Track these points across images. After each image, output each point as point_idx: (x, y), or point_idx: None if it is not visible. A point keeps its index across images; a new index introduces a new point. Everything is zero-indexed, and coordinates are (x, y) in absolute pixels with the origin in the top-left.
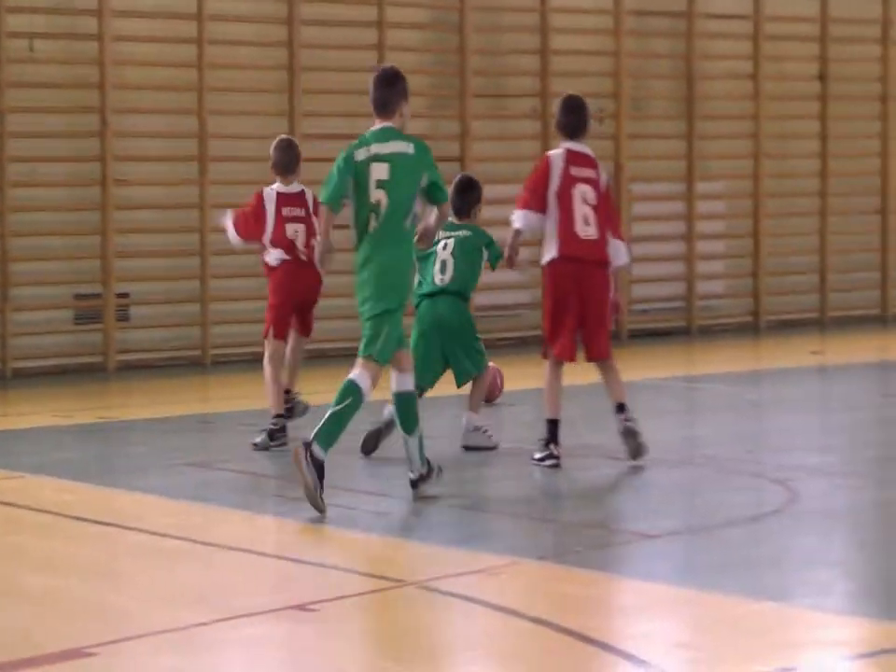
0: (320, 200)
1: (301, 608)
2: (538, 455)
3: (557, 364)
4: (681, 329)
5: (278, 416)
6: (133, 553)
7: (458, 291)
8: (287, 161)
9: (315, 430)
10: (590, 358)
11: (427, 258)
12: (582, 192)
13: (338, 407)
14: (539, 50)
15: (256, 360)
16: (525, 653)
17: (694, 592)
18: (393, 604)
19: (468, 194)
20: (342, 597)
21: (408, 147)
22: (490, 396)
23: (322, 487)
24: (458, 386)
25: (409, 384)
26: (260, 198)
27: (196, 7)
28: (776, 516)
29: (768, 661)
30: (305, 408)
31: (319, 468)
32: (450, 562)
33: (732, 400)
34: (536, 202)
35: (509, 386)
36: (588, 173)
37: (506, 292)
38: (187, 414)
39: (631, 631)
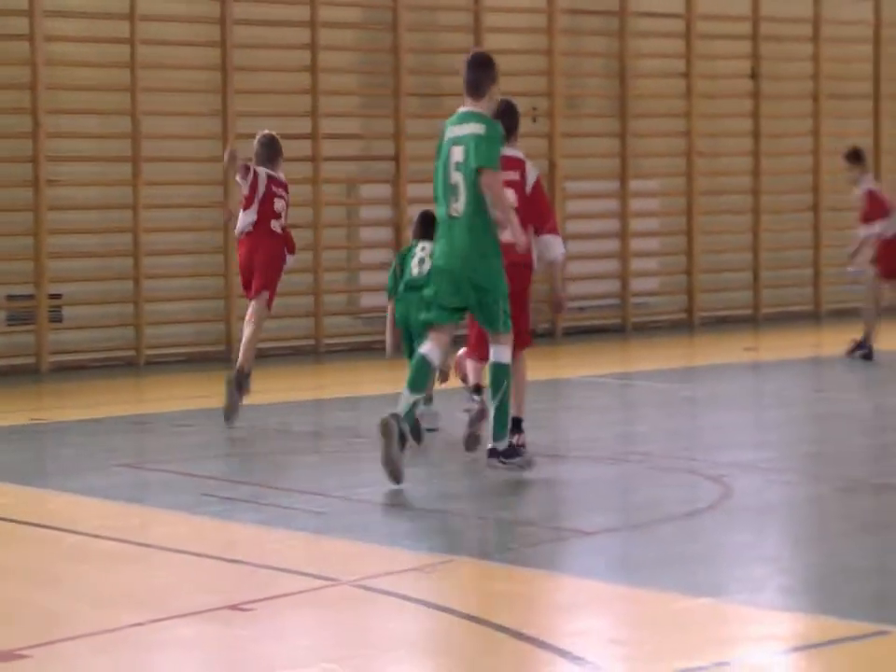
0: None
1: (236, 608)
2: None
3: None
4: (616, 326)
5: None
6: (68, 556)
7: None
8: (268, 154)
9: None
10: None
11: (405, 260)
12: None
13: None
14: (471, 49)
15: (191, 361)
16: (460, 651)
17: (629, 588)
18: (328, 603)
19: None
20: (276, 597)
21: (480, 129)
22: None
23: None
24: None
25: (505, 356)
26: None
27: (128, 7)
28: (710, 512)
29: (703, 656)
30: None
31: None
32: (385, 560)
33: (666, 397)
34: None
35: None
36: (511, 175)
37: None
38: (121, 415)
39: (566, 628)
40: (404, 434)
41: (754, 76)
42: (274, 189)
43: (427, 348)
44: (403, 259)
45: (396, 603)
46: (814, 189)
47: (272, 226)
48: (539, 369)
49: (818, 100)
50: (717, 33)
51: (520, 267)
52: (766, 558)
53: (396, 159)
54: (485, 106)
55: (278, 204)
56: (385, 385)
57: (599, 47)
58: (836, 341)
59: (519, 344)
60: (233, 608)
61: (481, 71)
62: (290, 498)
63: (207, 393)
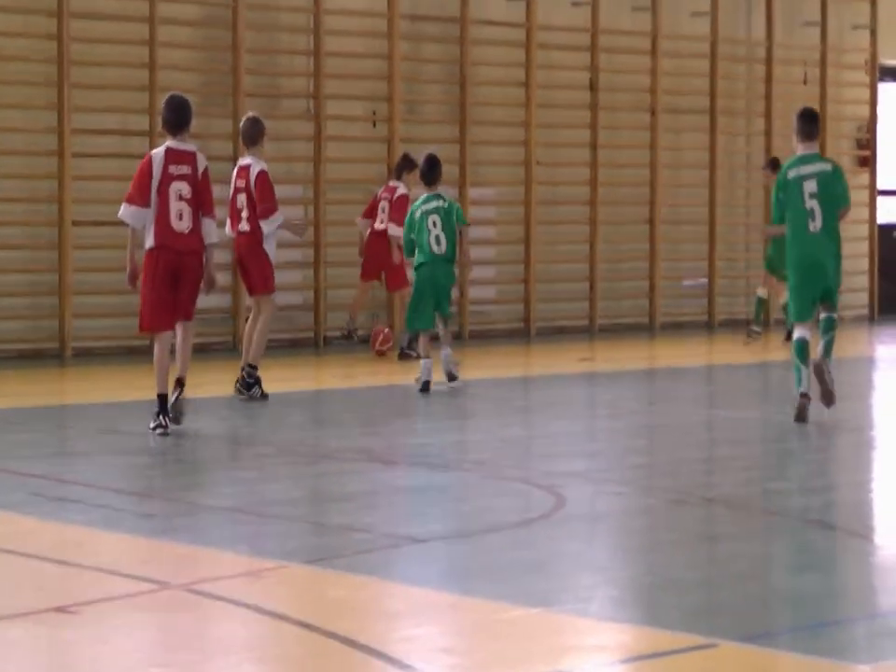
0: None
1: (62, 610)
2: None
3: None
4: (454, 334)
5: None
6: None
7: (449, 258)
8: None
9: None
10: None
11: (420, 232)
12: (180, 190)
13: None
14: (313, 51)
15: (23, 357)
16: (290, 657)
17: (460, 597)
18: (157, 607)
19: (438, 167)
20: (104, 600)
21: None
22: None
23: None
24: (445, 326)
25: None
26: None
27: None
28: (542, 522)
29: (531, 666)
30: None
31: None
32: (216, 564)
33: (502, 406)
34: (141, 198)
35: (279, 387)
36: (184, 169)
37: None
38: None
39: (396, 635)
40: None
41: (592, 87)
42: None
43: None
44: (413, 220)
45: (226, 608)
46: (650, 202)
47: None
48: (375, 374)
49: (654, 113)
50: (556, 43)
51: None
52: (596, 568)
53: (233, 159)
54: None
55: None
56: (222, 386)
57: (439, 53)
58: (670, 353)
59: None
60: (60, 610)
61: (815, 124)
62: (120, 500)
63: (38, 391)
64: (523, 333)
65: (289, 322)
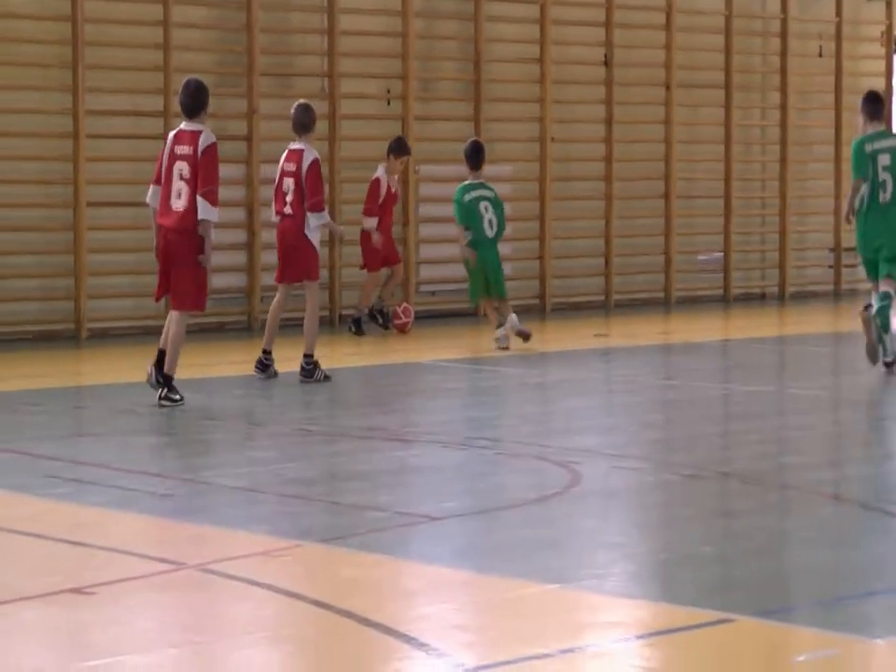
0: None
1: (79, 591)
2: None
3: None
4: (467, 311)
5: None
6: None
7: (498, 240)
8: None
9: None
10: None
11: (472, 216)
12: (181, 169)
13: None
14: (327, 30)
15: (37, 339)
16: (306, 636)
17: (476, 574)
18: (173, 587)
19: (482, 153)
20: (121, 580)
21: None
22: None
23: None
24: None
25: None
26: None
27: None
28: (557, 498)
29: (548, 643)
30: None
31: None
32: (232, 544)
33: (517, 383)
34: (156, 178)
35: (294, 366)
36: (185, 150)
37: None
38: None
39: (411, 614)
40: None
41: (607, 63)
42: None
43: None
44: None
45: (242, 588)
46: (665, 177)
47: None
48: (390, 352)
49: (669, 88)
50: (570, 19)
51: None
52: (612, 545)
53: (248, 139)
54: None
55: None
56: (236, 366)
57: (453, 30)
58: (685, 328)
59: None
60: (77, 591)
61: (880, 102)
62: (136, 481)
63: (54, 372)
64: (538, 309)
65: (302, 300)
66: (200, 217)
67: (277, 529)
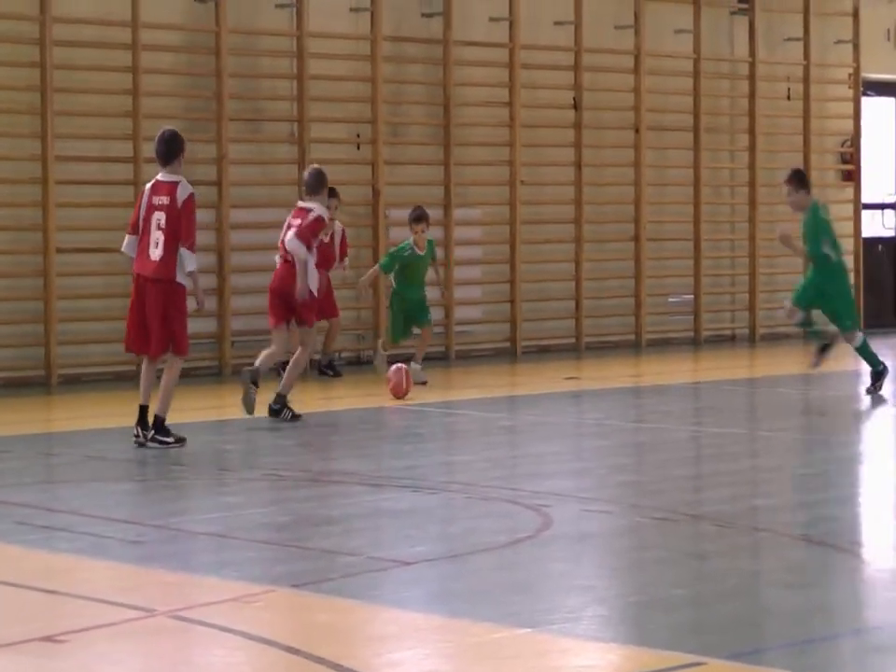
0: None
1: (50, 639)
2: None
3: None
4: (439, 354)
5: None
6: None
7: None
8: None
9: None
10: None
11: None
12: (158, 220)
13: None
14: (296, 75)
15: (8, 385)
16: None
17: (447, 619)
18: (145, 634)
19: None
20: (92, 628)
21: None
22: (399, 392)
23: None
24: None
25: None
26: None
27: None
28: (529, 542)
29: None
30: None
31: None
32: (203, 591)
33: (488, 426)
34: (132, 227)
35: (260, 412)
36: (163, 200)
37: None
38: None
39: (383, 659)
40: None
41: (576, 106)
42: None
43: None
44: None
45: (214, 634)
46: (635, 220)
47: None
48: (361, 397)
49: (638, 131)
50: (539, 63)
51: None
52: (583, 588)
53: (218, 183)
54: None
55: None
56: (206, 411)
57: (423, 75)
58: (656, 371)
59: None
60: (48, 639)
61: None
62: (107, 527)
63: (24, 419)
64: (509, 353)
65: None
66: (188, 269)
67: (249, 575)
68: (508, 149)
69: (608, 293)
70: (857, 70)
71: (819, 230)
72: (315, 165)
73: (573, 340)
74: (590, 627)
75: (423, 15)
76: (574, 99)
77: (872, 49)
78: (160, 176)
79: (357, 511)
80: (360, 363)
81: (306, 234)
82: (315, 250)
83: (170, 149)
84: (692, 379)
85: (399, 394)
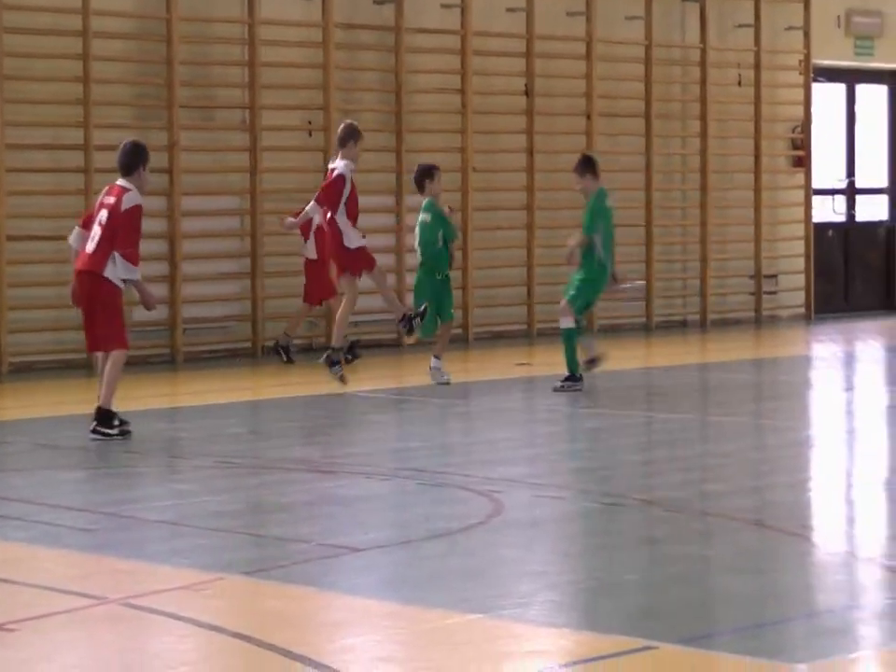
0: None
1: (2, 628)
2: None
3: None
4: (391, 341)
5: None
6: None
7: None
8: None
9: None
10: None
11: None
12: (101, 216)
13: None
14: (248, 62)
15: None
16: (229, 670)
17: (399, 605)
18: (96, 622)
19: (423, 175)
20: (43, 616)
21: None
22: None
23: None
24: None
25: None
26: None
27: None
28: (481, 528)
29: None
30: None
31: None
32: (154, 578)
33: (440, 413)
34: (83, 221)
35: (218, 398)
36: (110, 200)
37: (215, 305)
38: None
39: (335, 646)
40: None
41: (528, 93)
42: None
43: None
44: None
45: (165, 622)
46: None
47: None
48: (316, 383)
49: (590, 118)
50: (491, 50)
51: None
52: (535, 574)
53: (169, 171)
54: None
55: None
56: (159, 399)
57: (375, 62)
58: (607, 357)
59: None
60: None
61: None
62: (59, 515)
63: None
64: (461, 339)
65: (226, 333)
66: (122, 276)
67: (200, 563)
68: (460, 136)
69: (560, 280)
70: (807, 56)
71: (594, 216)
72: (348, 121)
73: (525, 326)
74: (542, 613)
75: (375, 2)
76: (526, 86)
77: (822, 35)
78: (118, 181)
79: (309, 499)
80: (312, 350)
81: (326, 194)
82: (344, 206)
83: (130, 160)
84: (643, 364)
85: None
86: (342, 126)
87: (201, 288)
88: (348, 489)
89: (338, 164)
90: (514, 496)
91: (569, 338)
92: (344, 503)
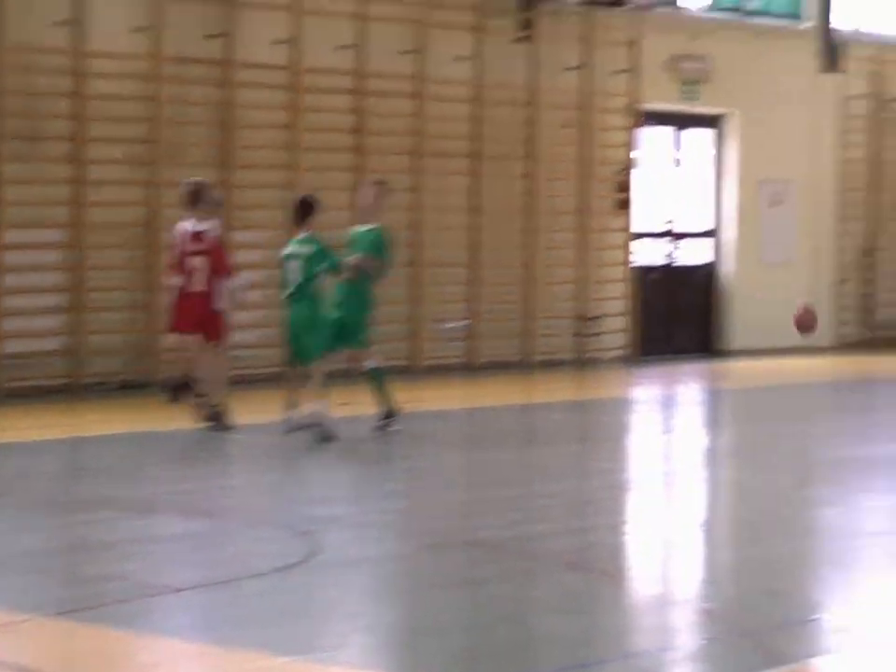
0: None
1: None
2: None
3: None
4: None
5: None
6: None
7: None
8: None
9: None
10: None
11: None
12: None
13: None
14: (75, 93)
15: None
16: None
17: (214, 646)
18: None
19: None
20: None
21: None
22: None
23: None
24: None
25: None
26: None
27: None
28: (298, 568)
29: None
30: None
31: None
32: None
33: (261, 451)
34: None
35: (36, 436)
36: None
37: (36, 339)
38: None
39: None
40: None
41: (357, 130)
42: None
43: None
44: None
45: None
46: (414, 244)
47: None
48: (138, 421)
49: (420, 157)
50: (322, 86)
51: None
52: (352, 615)
53: None
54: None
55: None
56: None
57: (205, 96)
58: (432, 396)
59: None
60: None
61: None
62: None
63: None
64: (276, 378)
65: (45, 369)
66: None
67: (12, 602)
68: (289, 172)
69: (384, 318)
70: (635, 99)
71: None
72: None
73: (347, 366)
74: (356, 655)
75: (206, 36)
76: (355, 124)
77: (649, 79)
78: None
79: (128, 537)
80: (133, 387)
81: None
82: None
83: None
84: (468, 405)
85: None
86: (190, 184)
87: (23, 323)
88: (167, 528)
89: (209, 226)
90: (334, 536)
91: (377, 376)
92: (163, 542)
